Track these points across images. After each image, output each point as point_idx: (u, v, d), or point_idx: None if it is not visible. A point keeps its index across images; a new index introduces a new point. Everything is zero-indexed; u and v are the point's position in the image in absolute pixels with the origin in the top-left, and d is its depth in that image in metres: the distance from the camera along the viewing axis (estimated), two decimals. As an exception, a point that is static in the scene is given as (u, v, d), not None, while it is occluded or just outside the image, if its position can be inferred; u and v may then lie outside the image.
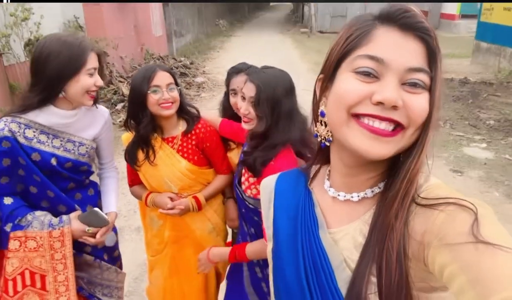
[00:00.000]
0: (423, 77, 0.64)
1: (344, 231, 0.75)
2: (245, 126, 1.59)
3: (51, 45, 1.52)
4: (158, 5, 11.92)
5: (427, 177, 0.71)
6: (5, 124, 1.54)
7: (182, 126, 1.90)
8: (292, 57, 12.75)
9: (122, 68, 8.48)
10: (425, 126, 0.65)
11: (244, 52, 13.21)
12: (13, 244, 1.59)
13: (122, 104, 6.95)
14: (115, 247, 1.97)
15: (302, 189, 0.85)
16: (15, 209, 1.60)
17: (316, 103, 0.78)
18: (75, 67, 1.52)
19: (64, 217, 1.67)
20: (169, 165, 1.86)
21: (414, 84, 0.64)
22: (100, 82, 1.63)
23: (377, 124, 0.64)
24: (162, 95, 1.72)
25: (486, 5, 9.90)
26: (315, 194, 0.83)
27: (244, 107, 1.55)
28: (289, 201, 0.86)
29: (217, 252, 1.76)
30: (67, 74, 1.52)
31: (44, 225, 1.62)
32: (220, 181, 2.00)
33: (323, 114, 0.75)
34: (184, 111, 1.91)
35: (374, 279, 0.66)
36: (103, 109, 1.84)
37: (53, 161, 1.63)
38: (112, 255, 1.95)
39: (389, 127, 0.64)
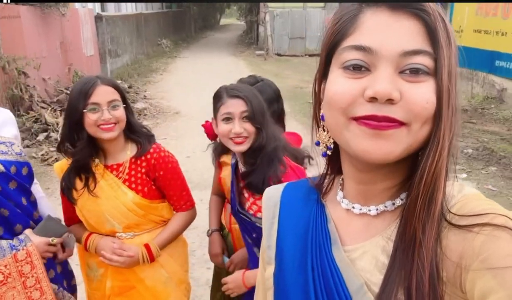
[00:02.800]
0: (425, 61, 0.62)
1: (361, 248, 0.72)
2: (241, 148, 1.64)
3: None
4: (90, 20, 11.84)
5: (461, 187, 0.69)
6: None
7: (131, 150, 1.82)
8: (248, 81, 12.95)
9: (45, 92, 8.24)
10: (436, 118, 0.63)
11: (191, 75, 13.37)
12: None
13: (45, 134, 6.67)
14: (72, 273, 1.97)
15: (313, 203, 0.83)
16: None
17: (317, 107, 0.78)
18: None
19: (21, 236, 1.63)
20: (112, 198, 1.77)
21: (415, 71, 0.62)
22: None
23: (374, 123, 0.63)
24: (102, 115, 1.65)
25: (455, 27, 10.72)
26: (328, 208, 0.81)
27: (237, 126, 1.62)
28: (298, 217, 0.83)
29: (252, 275, 1.78)
30: None
31: (5, 250, 1.56)
32: (179, 221, 1.90)
33: (323, 119, 0.74)
34: (134, 132, 1.82)
35: None
36: (5, 110, 1.84)
37: (0, 167, 1.59)
38: (70, 283, 1.92)
39: (389, 124, 0.63)
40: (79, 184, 1.78)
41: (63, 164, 1.83)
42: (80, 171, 1.77)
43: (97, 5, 13.94)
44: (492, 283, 0.55)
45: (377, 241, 0.71)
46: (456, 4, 10.70)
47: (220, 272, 2.13)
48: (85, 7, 12.19)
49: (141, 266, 1.82)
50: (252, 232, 1.73)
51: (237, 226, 1.92)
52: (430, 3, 0.63)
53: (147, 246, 1.80)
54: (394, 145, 0.63)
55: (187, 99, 9.90)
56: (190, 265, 2.30)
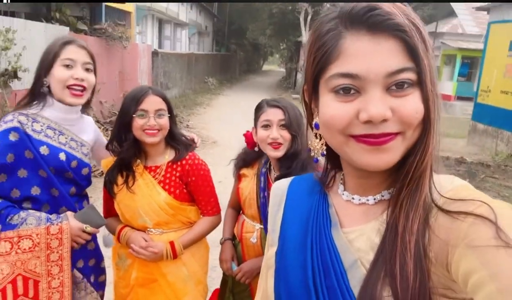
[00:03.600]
0: (409, 75, 0.64)
1: (359, 231, 0.75)
2: (277, 153, 1.77)
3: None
4: (148, 54, 12.56)
5: (452, 179, 0.73)
6: (13, 116, 1.64)
7: (169, 155, 1.92)
8: (283, 121, 13.23)
9: (100, 113, 8.80)
10: (425, 121, 0.66)
11: (231, 111, 13.77)
12: (3, 247, 1.54)
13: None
14: (103, 270, 1.99)
15: (317, 193, 0.86)
16: (5, 208, 1.59)
17: (309, 116, 0.81)
18: (49, 59, 1.68)
19: (62, 214, 1.70)
20: (147, 196, 1.86)
21: (401, 85, 0.64)
22: (80, 74, 1.66)
23: (373, 140, 0.66)
24: (148, 121, 1.76)
25: (483, 86, 10.83)
26: (331, 197, 0.85)
27: (275, 132, 1.76)
28: (302, 205, 0.87)
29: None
30: (44, 66, 1.69)
31: (41, 220, 1.61)
32: (204, 224, 1.97)
33: (317, 127, 0.77)
34: (174, 140, 1.92)
35: None
36: (89, 118, 1.99)
37: (62, 156, 1.70)
38: (97, 279, 1.93)
39: (386, 138, 0.66)
40: (120, 179, 1.88)
41: (109, 161, 1.94)
42: (123, 169, 1.87)
43: (155, 42, 14.77)
44: (475, 263, 0.56)
45: (373, 225, 0.74)
46: (485, 66, 10.82)
47: (227, 280, 2.16)
48: (144, 43, 12.99)
49: (165, 261, 1.89)
50: None
51: (248, 234, 1.99)
52: (404, 19, 0.64)
53: (172, 243, 1.87)
54: (393, 154, 0.67)
55: (225, 132, 10.14)
56: (210, 279, 2.35)
